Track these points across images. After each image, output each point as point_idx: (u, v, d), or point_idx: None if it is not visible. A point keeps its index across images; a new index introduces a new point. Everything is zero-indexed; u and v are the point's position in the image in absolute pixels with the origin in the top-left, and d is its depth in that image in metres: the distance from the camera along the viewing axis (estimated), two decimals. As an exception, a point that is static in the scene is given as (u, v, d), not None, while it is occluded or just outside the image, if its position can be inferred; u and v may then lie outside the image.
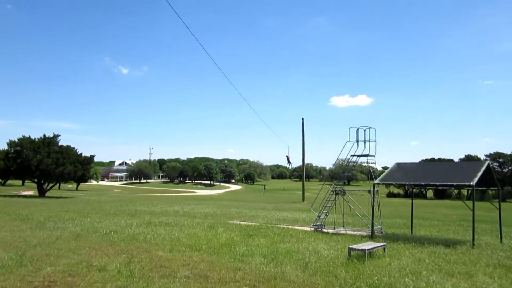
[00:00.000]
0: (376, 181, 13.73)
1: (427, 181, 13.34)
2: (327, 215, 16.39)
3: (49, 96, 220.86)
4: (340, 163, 20.83)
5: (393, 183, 14.04)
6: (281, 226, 16.21)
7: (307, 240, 11.84)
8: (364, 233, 14.55)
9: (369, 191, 15.38)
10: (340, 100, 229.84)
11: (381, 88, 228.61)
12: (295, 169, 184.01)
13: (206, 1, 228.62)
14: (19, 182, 77.99)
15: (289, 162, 51.59)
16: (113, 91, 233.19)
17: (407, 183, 13.30)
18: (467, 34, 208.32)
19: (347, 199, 16.50)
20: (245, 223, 17.47)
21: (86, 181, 56.13)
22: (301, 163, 58.83)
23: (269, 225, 16.35)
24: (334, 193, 15.96)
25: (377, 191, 13.79)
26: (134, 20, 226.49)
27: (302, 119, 50.36)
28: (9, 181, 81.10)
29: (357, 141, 15.72)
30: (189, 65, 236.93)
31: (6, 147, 42.14)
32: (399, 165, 14.93)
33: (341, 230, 15.68)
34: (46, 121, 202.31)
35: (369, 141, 15.45)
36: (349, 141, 15.82)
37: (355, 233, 14.82)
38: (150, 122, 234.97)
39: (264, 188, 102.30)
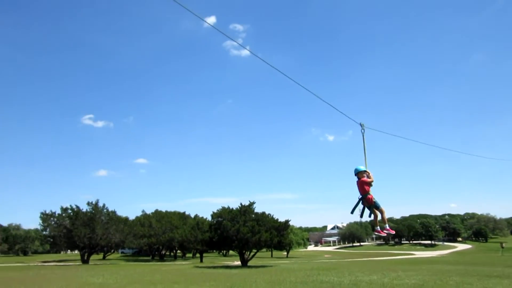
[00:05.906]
0: None
1: None
2: None
3: (268, 172, 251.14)
4: None
5: None
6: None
7: None
8: None
9: None
10: None
11: None
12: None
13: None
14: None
15: (363, 199, 8.78)
16: (321, 158, 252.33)
17: None
18: None
19: None
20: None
21: (283, 248, 54.71)
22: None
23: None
24: None
25: None
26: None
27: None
28: (231, 252, 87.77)
29: None
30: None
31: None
32: None
33: None
34: (268, 194, 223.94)
35: None
36: None
37: None
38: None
39: (502, 247, 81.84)
